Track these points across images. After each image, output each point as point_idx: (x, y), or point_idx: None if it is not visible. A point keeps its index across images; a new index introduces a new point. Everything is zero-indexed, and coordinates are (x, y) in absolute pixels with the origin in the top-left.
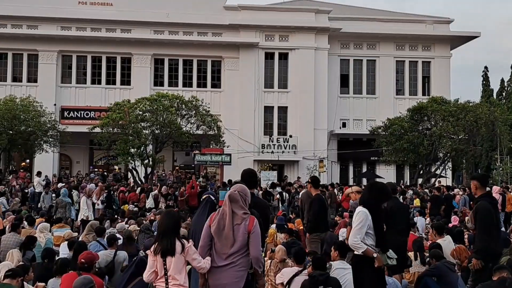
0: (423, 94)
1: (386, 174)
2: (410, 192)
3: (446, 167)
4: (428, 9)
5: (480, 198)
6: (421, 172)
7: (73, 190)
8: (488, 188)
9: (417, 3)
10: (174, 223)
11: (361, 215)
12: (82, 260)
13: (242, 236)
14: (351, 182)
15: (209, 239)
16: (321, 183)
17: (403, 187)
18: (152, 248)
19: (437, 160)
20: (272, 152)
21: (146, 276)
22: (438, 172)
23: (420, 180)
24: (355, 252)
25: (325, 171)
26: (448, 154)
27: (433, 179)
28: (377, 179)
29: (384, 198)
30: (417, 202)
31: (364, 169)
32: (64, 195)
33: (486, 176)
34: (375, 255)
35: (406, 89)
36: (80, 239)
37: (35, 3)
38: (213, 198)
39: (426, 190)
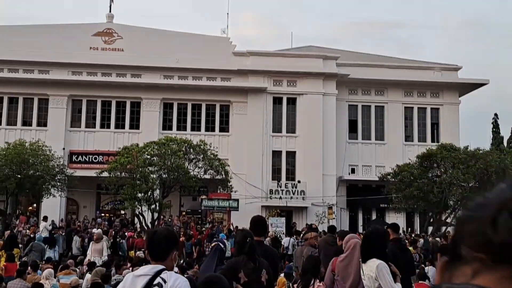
0: (432, 140)
1: (396, 221)
2: (421, 241)
3: (457, 216)
4: (436, 55)
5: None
6: (432, 220)
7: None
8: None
9: (425, 50)
10: None
11: (386, 269)
12: None
13: None
14: (360, 229)
15: None
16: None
17: (413, 235)
18: None
19: (448, 208)
20: (280, 197)
21: None
22: (448, 220)
23: (430, 229)
24: None
25: (334, 218)
26: (459, 202)
27: (443, 228)
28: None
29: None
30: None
31: (374, 216)
32: (39, 240)
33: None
34: None
35: (415, 135)
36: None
37: (47, 48)
38: (222, 246)
39: (437, 239)
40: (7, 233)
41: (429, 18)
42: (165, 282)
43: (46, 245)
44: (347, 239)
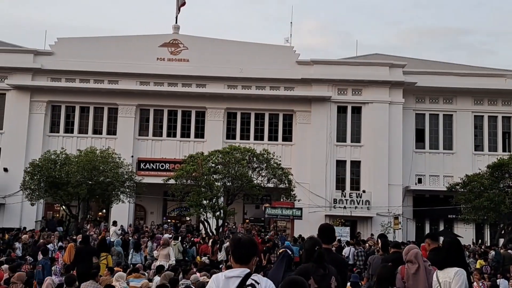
0: (504, 150)
1: (465, 233)
2: (492, 253)
3: None
4: (508, 62)
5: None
6: (503, 231)
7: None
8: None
9: (496, 57)
10: None
11: (464, 275)
12: None
13: None
14: None
15: None
16: (396, 240)
17: (483, 247)
18: None
19: None
20: (345, 207)
21: None
22: None
23: (501, 240)
24: None
25: (400, 229)
26: None
27: None
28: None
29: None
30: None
31: (441, 227)
32: (117, 244)
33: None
34: None
35: (485, 144)
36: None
37: (116, 59)
38: (290, 253)
39: (510, 251)
40: (79, 237)
41: (501, 24)
42: (257, 283)
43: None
44: (407, 249)
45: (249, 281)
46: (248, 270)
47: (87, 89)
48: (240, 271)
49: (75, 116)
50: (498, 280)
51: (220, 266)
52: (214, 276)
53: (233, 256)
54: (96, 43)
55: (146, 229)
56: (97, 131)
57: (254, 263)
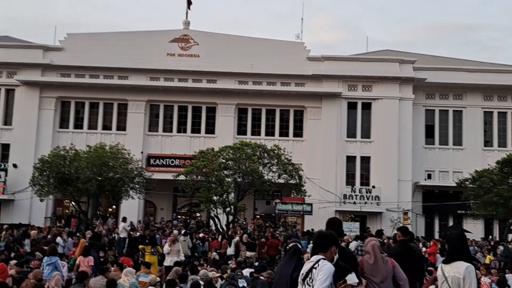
0: None
1: (474, 228)
2: (501, 247)
3: None
4: None
5: None
6: (511, 227)
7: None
8: None
9: (506, 53)
10: None
11: (474, 272)
12: None
13: None
14: (436, 236)
15: None
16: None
17: (492, 242)
18: None
19: None
20: (354, 202)
21: None
22: None
23: (510, 236)
24: None
25: (409, 224)
26: None
27: None
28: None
29: None
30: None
31: (451, 223)
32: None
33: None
34: None
35: (495, 140)
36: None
37: (126, 55)
38: (300, 247)
39: None
40: (87, 232)
41: (510, 19)
42: (318, 265)
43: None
44: (366, 242)
45: (316, 265)
46: (320, 257)
47: (97, 85)
48: (315, 257)
49: (85, 112)
50: (506, 275)
51: (230, 261)
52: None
53: (318, 247)
54: (106, 38)
55: (156, 225)
56: (106, 127)
57: (333, 252)
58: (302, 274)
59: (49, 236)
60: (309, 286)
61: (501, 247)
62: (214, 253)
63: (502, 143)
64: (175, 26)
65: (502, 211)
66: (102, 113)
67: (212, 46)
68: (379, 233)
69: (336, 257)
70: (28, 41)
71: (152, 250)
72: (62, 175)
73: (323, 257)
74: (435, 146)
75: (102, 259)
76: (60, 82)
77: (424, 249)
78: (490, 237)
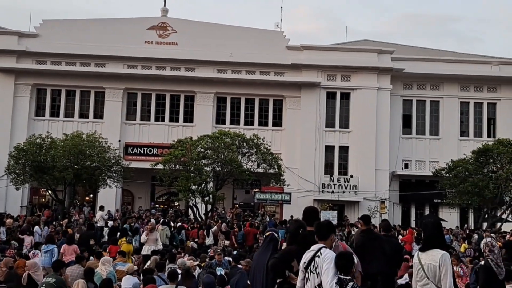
0: (489, 136)
1: (450, 217)
2: (475, 236)
3: None
4: (495, 49)
5: None
6: (486, 216)
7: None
8: None
9: (483, 44)
10: None
11: (449, 259)
12: None
13: None
14: (413, 224)
15: None
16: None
17: (467, 231)
18: None
19: (503, 204)
20: (333, 192)
21: None
22: (504, 216)
23: (485, 225)
24: None
25: (386, 213)
26: None
27: (498, 224)
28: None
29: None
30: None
31: (427, 211)
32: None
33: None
34: None
35: (470, 130)
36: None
37: (103, 42)
38: (276, 235)
39: (492, 235)
40: (64, 221)
41: (489, 11)
42: (321, 254)
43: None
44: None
45: (318, 253)
46: (322, 245)
47: (73, 72)
48: (316, 246)
49: (61, 100)
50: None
51: (208, 250)
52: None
53: (317, 235)
54: (82, 25)
55: (134, 214)
56: (83, 115)
57: (332, 239)
58: (304, 263)
59: (24, 225)
60: (313, 273)
61: (475, 236)
62: (192, 242)
63: (478, 133)
64: (153, 14)
65: (477, 200)
66: (79, 101)
67: (190, 34)
68: (367, 219)
69: (334, 244)
70: (2, 27)
71: (127, 239)
72: (38, 163)
73: (323, 245)
74: (412, 136)
75: (94, 248)
76: (36, 69)
77: (400, 237)
78: (465, 225)
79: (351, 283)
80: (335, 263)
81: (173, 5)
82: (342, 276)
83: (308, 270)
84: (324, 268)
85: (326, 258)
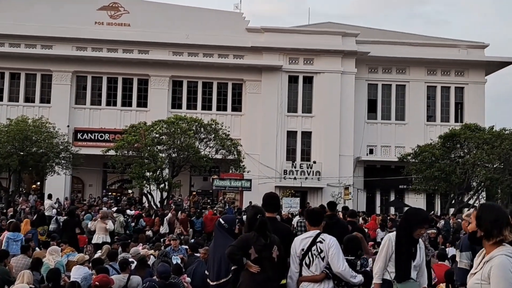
0: (456, 120)
1: (416, 203)
2: (442, 222)
3: (480, 197)
4: (463, 33)
5: None
6: (453, 201)
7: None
8: None
9: (451, 27)
10: None
11: (384, 240)
12: (97, 283)
13: None
14: (378, 210)
15: None
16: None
17: (434, 217)
18: None
19: (470, 189)
20: (295, 178)
21: None
22: (471, 202)
23: (451, 210)
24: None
25: (350, 199)
26: (482, 184)
27: (465, 209)
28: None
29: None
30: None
31: (392, 198)
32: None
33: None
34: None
35: (437, 115)
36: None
37: (50, 23)
38: (222, 222)
39: (459, 220)
40: (9, 210)
41: None
42: (324, 240)
43: None
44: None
45: (318, 239)
46: (318, 231)
47: (18, 54)
48: (311, 233)
49: (5, 83)
50: (447, 249)
51: (163, 239)
52: (294, 239)
53: (308, 222)
54: (28, 4)
55: (84, 202)
56: (29, 99)
57: (323, 226)
58: (303, 249)
59: None
60: (318, 257)
61: (442, 222)
62: (150, 231)
63: (445, 118)
64: None
65: (444, 185)
66: (24, 85)
67: (143, 14)
68: (332, 205)
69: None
70: None
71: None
72: None
73: (319, 231)
74: (377, 121)
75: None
76: None
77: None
78: (432, 212)
79: (359, 262)
80: (345, 246)
81: None
82: (349, 257)
83: (309, 255)
84: (332, 253)
85: (332, 243)
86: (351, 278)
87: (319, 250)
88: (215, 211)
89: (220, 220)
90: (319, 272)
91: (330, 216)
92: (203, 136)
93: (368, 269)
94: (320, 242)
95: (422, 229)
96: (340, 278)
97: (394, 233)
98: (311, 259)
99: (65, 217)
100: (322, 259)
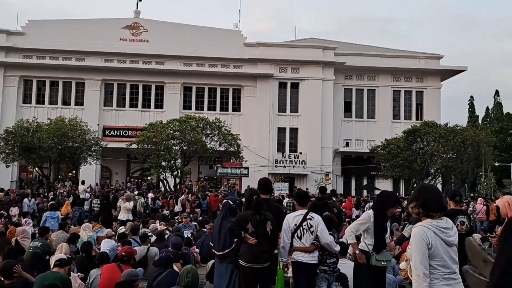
0: (417, 118)
1: (384, 186)
2: (405, 202)
3: (437, 182)
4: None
5: None
6: (415, 185)
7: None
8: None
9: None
10: None
11: (364, 215)
12: (123, 253)
13: None
14: (353, 193)
15: None
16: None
17: (400, 198)
18: None
19: (429, 175)
20: (284, 166)
21: None
22: None
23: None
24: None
25: (330, 183)
26: (439, 170)
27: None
28: (376, 191)
29: (389, 205)
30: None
31: (365, 182)
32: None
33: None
34: (357, 251)
35: (401, 114)
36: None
37: (83, 40)
38: (231, 203)
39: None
40: (50, 194)
41: (419, 14)
42: (312, 217)
43: None
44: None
45: (308, 216)
46: (305, 211)
47: (56, 66)
48: (302, 211)
49: (46, 90)
50: (407, 226)
51: (176, 217)
52: (287, 216)
53: (297, 202)
54: (64, 25)
55: (112, 187)
56: (66, 102)
57: (308, 206)
58: (296, 224)
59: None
60: (308, 231)
61: (405, 202)
62: (165, 210)
63: (408, 116)
64: (126, 15)
65: (407, 172)
66: (62, 90)
67: (160, 32)
68: (323, 189)
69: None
70: None
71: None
72: (25, 144)
73: (306, 210)
74: (352, 119)
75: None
76: (22, 63)
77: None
78: (397, 194)
79: (336, 234)
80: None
81: (145, 7)
82: (329, 232)
83: (300, 229)
84: (320, 228)
85: (319, 221)
86: (335, 247)
87: (309, 226)
88: (218, 194)
89: (230, 201)
90: (308, 243)
91: (319, 198)
92: (209, 132)
93: (341, 240)
94: (310, 219)
95: (393, 209)
96: (324, 248)
97: (372, 211)
98: (302, 232)
99: (101, 201)
100: (311, 233)
